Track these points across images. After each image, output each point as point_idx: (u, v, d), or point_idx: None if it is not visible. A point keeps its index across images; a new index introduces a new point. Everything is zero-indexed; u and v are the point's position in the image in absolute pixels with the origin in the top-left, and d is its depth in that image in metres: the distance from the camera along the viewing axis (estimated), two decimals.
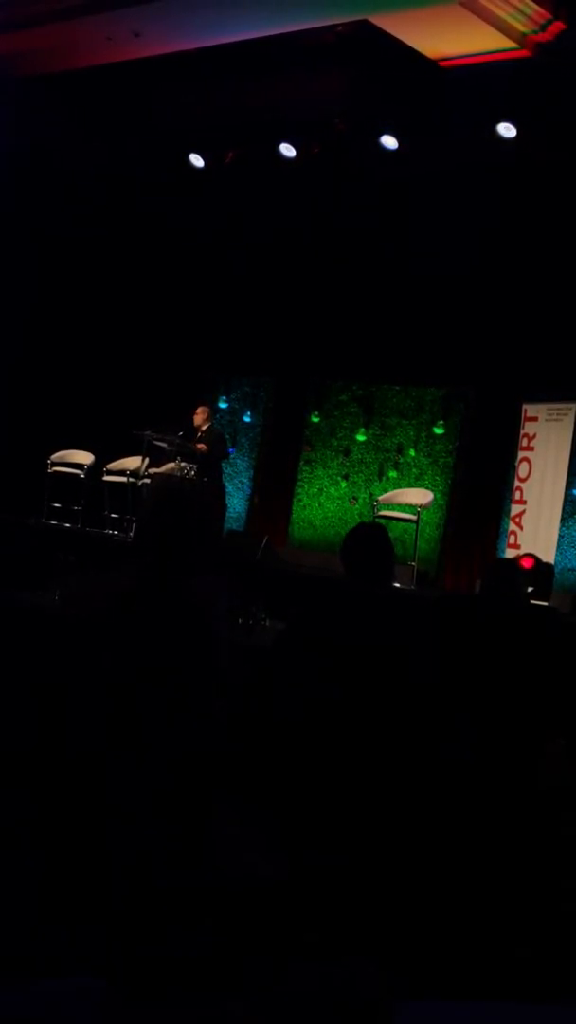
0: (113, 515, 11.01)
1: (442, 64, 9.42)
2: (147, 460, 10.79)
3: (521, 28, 8.77)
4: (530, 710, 3.66)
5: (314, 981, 1.69)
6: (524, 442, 9.99)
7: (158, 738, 2.37)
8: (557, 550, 9.55)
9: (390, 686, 3.23)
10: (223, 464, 12.39)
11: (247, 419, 12.39)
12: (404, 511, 10.12)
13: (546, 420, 9.88)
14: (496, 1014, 1.87)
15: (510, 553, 9.70)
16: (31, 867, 2.07)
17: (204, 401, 11.13)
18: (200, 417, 10.78)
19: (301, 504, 11.81)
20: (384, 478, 11.26)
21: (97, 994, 1.64)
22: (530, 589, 8.49)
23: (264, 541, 9.57)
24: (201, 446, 10.60)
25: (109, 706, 2.47)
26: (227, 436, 11.70)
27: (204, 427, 10.74)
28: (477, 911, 2.55)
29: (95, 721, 2.47)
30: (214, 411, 11.59)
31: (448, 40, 9.11)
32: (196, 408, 10.86)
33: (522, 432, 10.02)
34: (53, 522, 11.03)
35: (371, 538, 3.71)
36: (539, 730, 3.68)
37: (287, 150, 11.02)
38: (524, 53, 8.98)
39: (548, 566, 9.09)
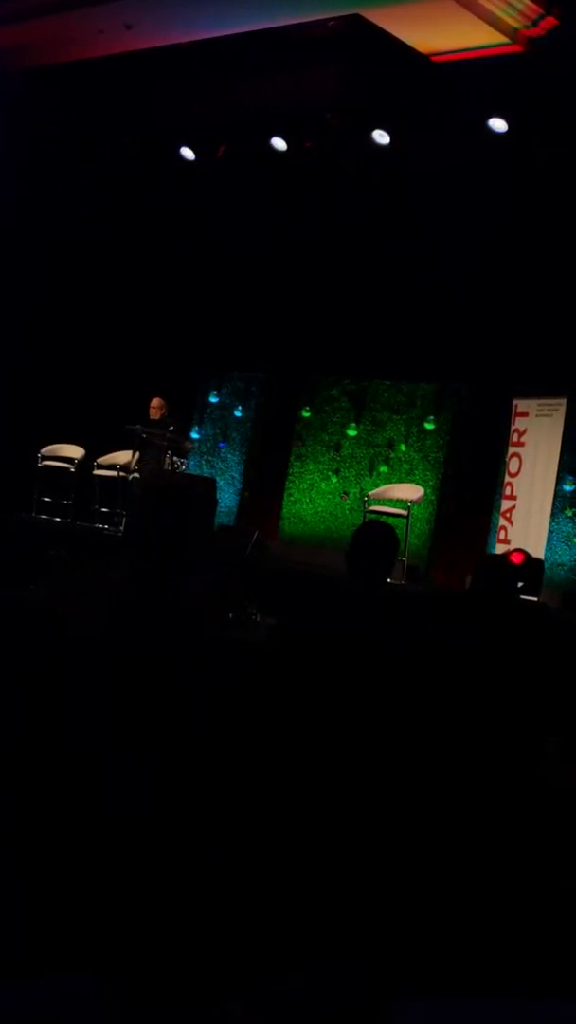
0: (103, 509, 11.01)
1: (434, 59, 9.41)
2: (137, 454, 10.79)
3: (513, 23, 8.77)
4: (526, 709, 3.67)
5: (313, 982, 1.69)
6: (515, 437, 10.00)
7: (154, 736, 2.36)
8: (547, 545, 9.56)
9: (386, 684, 3.24)
10: (215, 458, 12.41)
11: (238, 414, 12.39)
12: (395, 506, 10.13)
13: (536, 415, 9.90)
14: (496, 1013, 1.87)
15: (500, 548, 9.71)
16: (31, 867, 2.06)
17: (159, 393, 11.11)
18: (157, 411, 10.80)
19: (292, 499, 11.81)
20: (375, 473, 11.27)
21: (97, 994, 1.64)
22: (520, 585, 8.49)
23: (255, 536, 9.57)
24: (188, 444, 10.66)
25: (104, 704, 2.47)
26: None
27: (159, 418, 10.78)
28: (476, 910, 2.56)
29: (90, 719, 2.47)
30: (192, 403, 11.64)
31: (440, 35, 9.10)
32: (152, 400, 10.86)
33: (512, 427, 10.03)
34: (43, 516, 11.02)
35: (381, 537, 3.74)
36: (536, 729, 3.69)
37: (279, 144, 11.00)
38: (516, 48, 8.99)
39: (538, 561, 9.10)
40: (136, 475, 10.67)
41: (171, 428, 10.60)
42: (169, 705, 2.54)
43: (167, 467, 10.49)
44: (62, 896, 2.02)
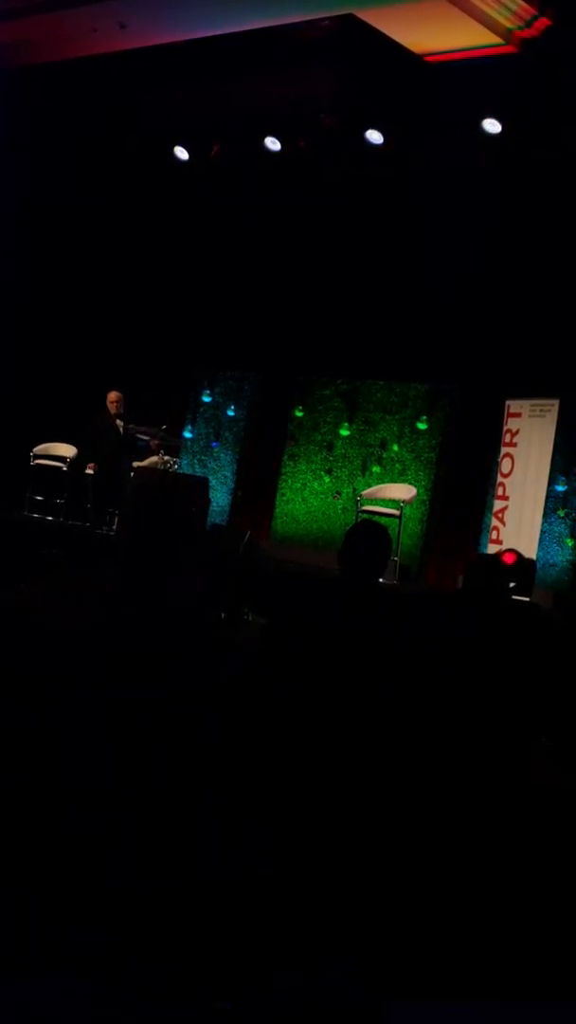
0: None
1: (428, 59, 9.42)
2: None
3: (507, 24, 8.78)
4: (517, 708, 3.68)
5: (305, 982, 1.69)
6: (507, 438, 10.01)
7: (148, 739, 2.37)
8: (539, 546, 9.58)
9: (377, 683, 3.24)
10: (207, 458, 12.41)
11: (231, 413, 12.38)
12: (387, 506, 10.14)
13: (529, 416, 9.91)
14: (487, 1014, 1.88)
15: (492, 549, 9.72)
16: (30, 867, 2.06)
17: (115, 387, 11.20)
18: (116, 405, 10.89)
19: (284, 499, 11.81)
20: (367, 473, 11.27)
21: (93, 994, 1.65)
22: (512, 585, 8.51)
23: (247, 536, 9.57)
24: (156, 442, 10.73)
25: (98, 706, 2.47)
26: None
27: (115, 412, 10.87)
28: (467, 910, 2.57)
29: (83, 722, 2.47)
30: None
31: (434, 35, 9.11)
32: (110, 394, 10.94)
33: (505, 428, 10.05)
34: (35, 515, 11.01)
35: (373, 537, 3.76)
36: (527, 728, 3.70)
37: (272, 144, 10.99)
38: (510, 49, 9.00)
39: (530, 562, 9.11)
40: (129, 474, 10.70)
41: (163, 427, 10.62)
42: (163, 704, 2.55)
43: (160, 467, 10.51)
44: (63, 896, 2.02)
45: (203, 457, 12.41)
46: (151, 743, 2.34)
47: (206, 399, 12.51)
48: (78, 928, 1.92)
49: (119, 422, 10.85)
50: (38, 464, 11.20)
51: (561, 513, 9.84)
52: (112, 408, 10.85)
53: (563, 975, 2.42)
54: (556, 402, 9.70)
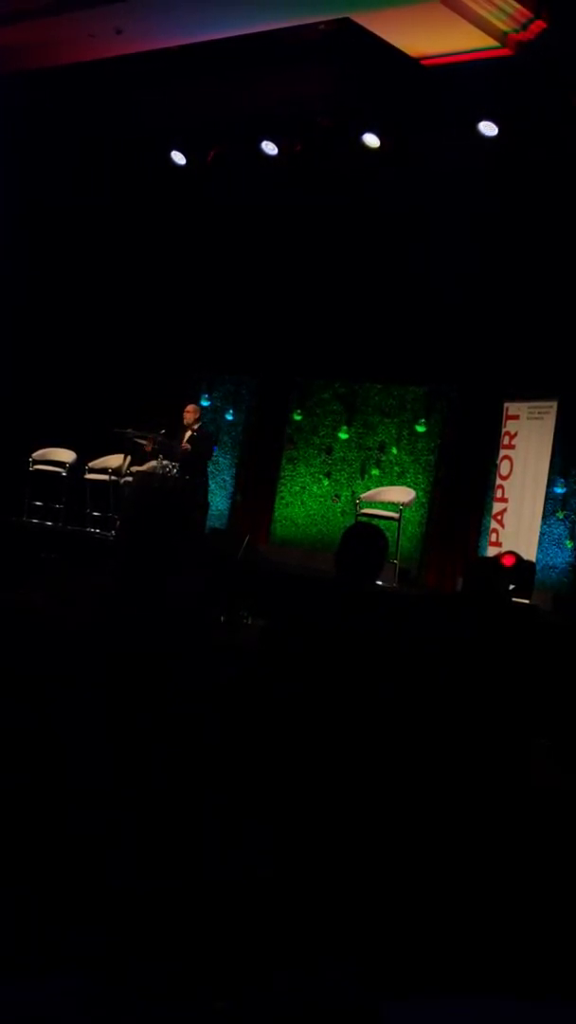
0: (95, 513, 11.00)
1: (424, 63, 9.43)
2: (129, 458, 10.79)
3: (503, 27, 8.79)
4: (517, 710, 3.68)
5: (304, 982, 1.69)
6: (506, 440, 10.02)
7: (148, 739, 2.37)
8: (538, 548, 9.59)
9: (374, 683, 3.24)
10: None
11: (229, 417, 12.39)
12: (386, 509, 10.14)
13: (527, 418, 9.92)
14: (488, 1013, 1.88)
15: (492, 551, 9.73)
16: (30, 867, 2.06)
17: (192, 399, 11.16)
18: (191, 416, 10.77)
19: (283, 502, 11.81)
20: (366, 476, 11.28)
21: (92, 994, 1.64)
22: (512, 587, 8.52)
23: (246, 539, 9.57)
24: (185, 445, 10.62)
25: (98, 706, 2.47)
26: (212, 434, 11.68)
27: (196, 426, 10.73)
28: (466, 910, 2.56)
29: (83, 722, 2.46)
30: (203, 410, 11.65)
31: (430, 39, 9.12)
32: (186, 407, 10.85)
33: (504, 430, 10.06)
34: (35, 520, 11.01)
35: (368, 537, 3.76)
36: (526, 730, 3.70)
37: (269, 148, 11.01)
38: (506, 52, 9.00)
39: (529, 564, 9.12)
40: (128, 479, 10.69)
41: (162, 431, 10.59)
42: (162, 704, 2.54)
43: (159, 470, 10.50)
44: (63, 896, 2.02)
45: None
46: (151, 743, 2.34)
47: (205, 403, 12.52)
48: (78, 928, 1.92)
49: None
50: (37, 469, 11.20)
51: (560, 515, 9.85)
52: (184, 420, 10.80)
53: (564, 975, 2.42)
54: (554, 404, 9.71)
